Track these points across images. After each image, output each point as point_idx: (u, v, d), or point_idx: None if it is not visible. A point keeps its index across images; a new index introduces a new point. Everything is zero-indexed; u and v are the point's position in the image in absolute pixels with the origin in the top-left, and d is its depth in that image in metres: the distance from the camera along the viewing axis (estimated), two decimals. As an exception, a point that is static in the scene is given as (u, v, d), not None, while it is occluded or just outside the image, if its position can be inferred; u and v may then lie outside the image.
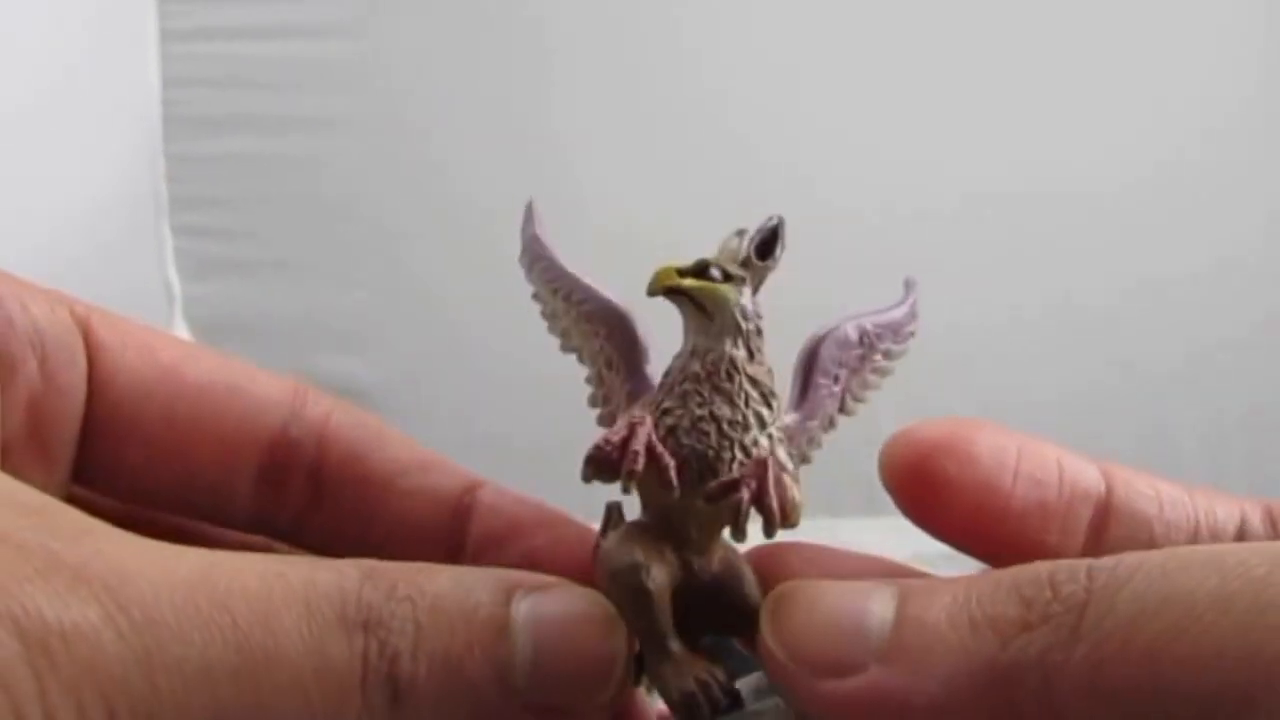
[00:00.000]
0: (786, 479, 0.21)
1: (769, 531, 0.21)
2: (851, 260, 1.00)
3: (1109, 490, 0.21)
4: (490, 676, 0.19)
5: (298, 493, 0.25)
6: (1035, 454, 0.21)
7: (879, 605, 0.18)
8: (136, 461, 0.25)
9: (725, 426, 0.21)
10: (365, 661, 0.18)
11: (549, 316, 0.24)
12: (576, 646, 0.20)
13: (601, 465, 0.21)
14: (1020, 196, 1.20)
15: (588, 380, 0.24)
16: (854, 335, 0.24)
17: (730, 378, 0.21)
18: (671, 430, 0.21)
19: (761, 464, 0.21)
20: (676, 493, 0.21)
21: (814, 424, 0.23)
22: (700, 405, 0.21)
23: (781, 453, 0.22)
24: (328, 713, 0.18)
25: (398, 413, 1.06)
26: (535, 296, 0.24)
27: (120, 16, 1.12)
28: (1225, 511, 0.21)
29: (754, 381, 0.22)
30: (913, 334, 0.25)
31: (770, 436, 0.21)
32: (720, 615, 0.22)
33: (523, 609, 0.19)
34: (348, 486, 0.25)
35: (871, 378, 0.24)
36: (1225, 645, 0.15)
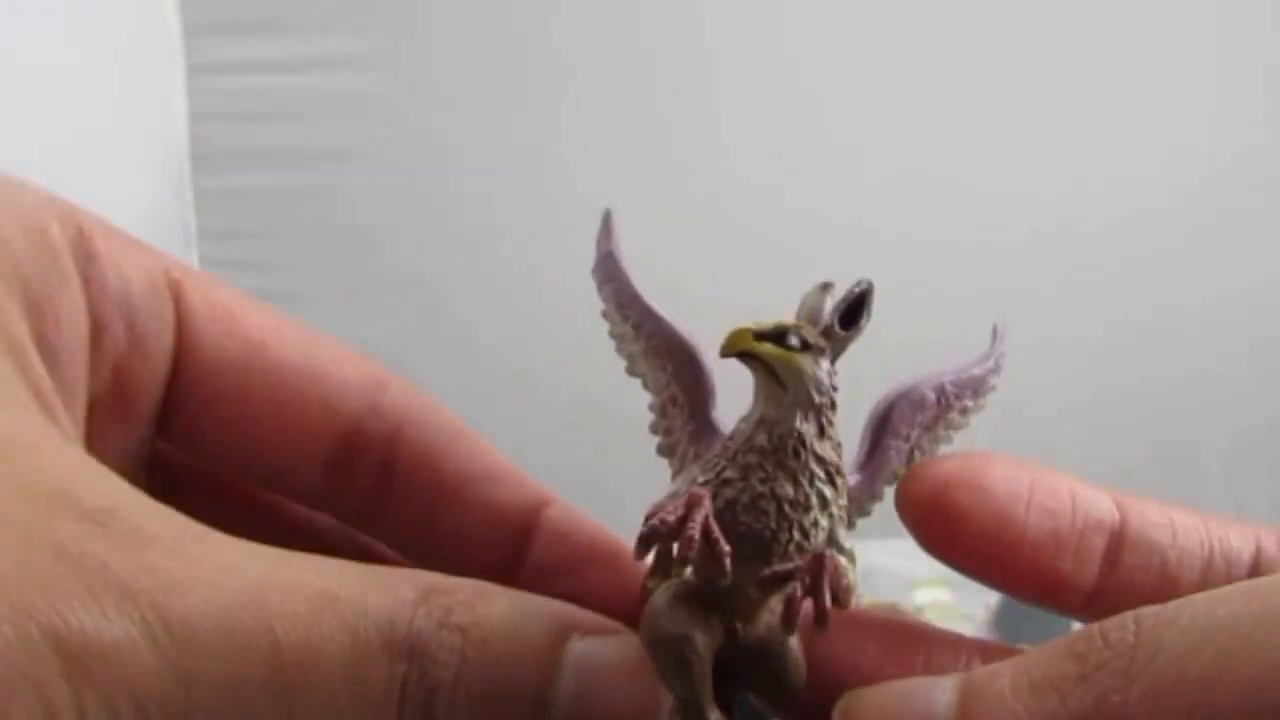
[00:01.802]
0: (842, 566, 0.20)
1: (821, 624, 0.20)
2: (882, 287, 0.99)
3: (1122, 520, 0.22)
4: (527, 716, 0.19)
5: (367, 483, 0.25)
6: (1048, 485, 0.22)
7: (944, 691, 0.19)
8: (213, 431, 0.25)
9: (786, 507, 0.20)
10: (404, 689, 0.18)
11: (617, 337, 0.24)
12: (620, 699, 0.20)
13: (654, 544, 0.20)
14: (1043, 228, 1.20)
15: (651, 407, 0.23)
16: (931, 397, 0.23)
17: (797, 455, 0.20)
18: (730, 504, 0.20)
19: (818, 559, 0.20)
20: (729, 579, 0.20)
21: (878, 483, 0.23)
22: (763, 482, 0.20)
23: (841, 533, 0.21)
24: None
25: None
26: (605, 315, 0.24)
27: (148, 52, 1.13)
28: (1240, 539, 0.22)
29: (820, 460, 0.21)
30: (994, 388, 0.24)
31: (831, 516, 0.21)
32: (757, 679, 0.22)
33: (575, 651, 0.19)
34: (416, 486, 0.25)
35: (945, 433, 0.24)
36: (1276, 661, 0.16)
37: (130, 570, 0.17)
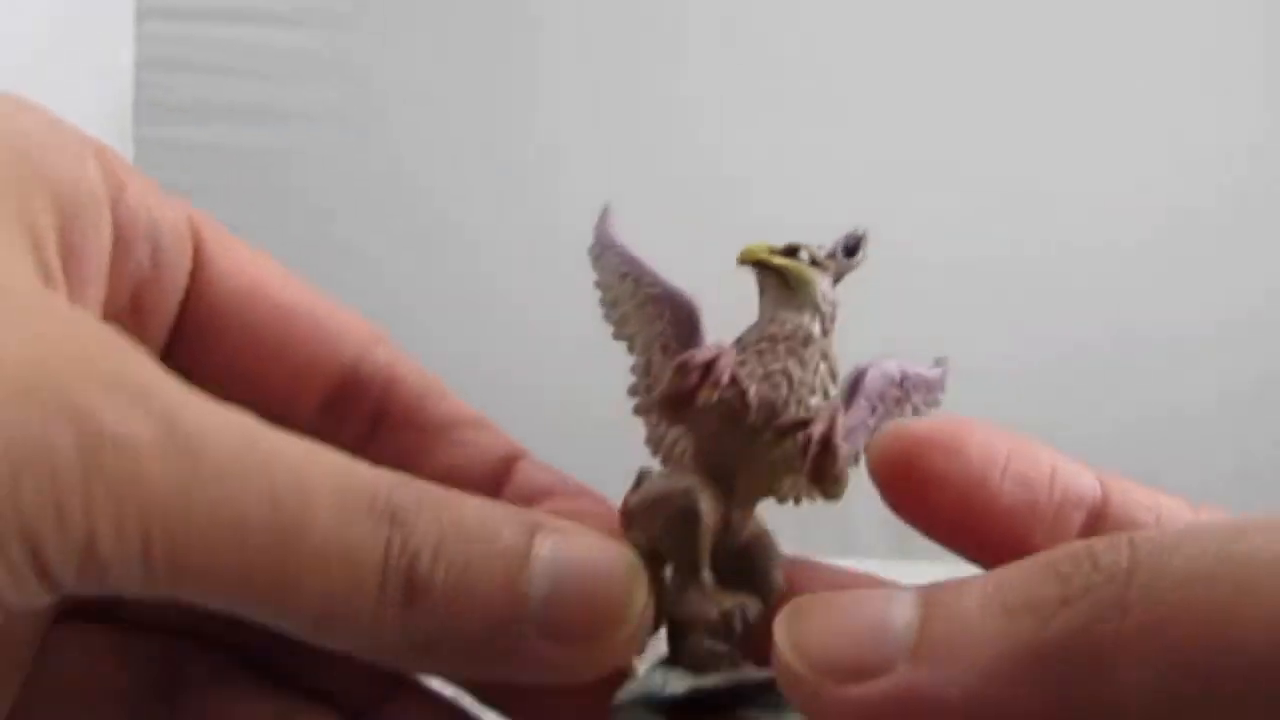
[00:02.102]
0: (844, 450, 0.22)
1: (826, 485, 0.22)
2: (872, 304, 0.99)
3: (1105, 498, 0.21)
4: (505, 596, 0.19)
5: (358, 426, 0.26)
6: (1027, 455, 0.21)
7: (902, 606, 0.18)
8: (218, 364, 0.25)
9: (796, 383, 0.22)
10: (387, 552, 0.19)
11: (609, 304, 0.25)
12: (596, 582, 0.20)
13: (679, 394, 0.22)
14: (1035, 248, 1.19)
15: (633, 369, 0.25)
16: (896, 374, 0.25)
17: (806, 345, 0.22)
18: (747, 377, 0.22)
19: (834, 409, 0.22)
20: (753, 414, 0.21)
21: (853, 438, 0.24)
22: (774, 360, 0.22)
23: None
24: (344, 595, 0.19)
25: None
26: (598, 284, 0.25)
27: (96, -8, 1.09)
28: None
29: (825, 355, 0.23)
30: (938, 403, 0.26)
31: (839, 411, 0.22)
32: (740, 586, 0.22)
33: (546, 546, 0.20)
34: (404, 430, 0.26)
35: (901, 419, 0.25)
36: None
37: (149, 376, 0.18)
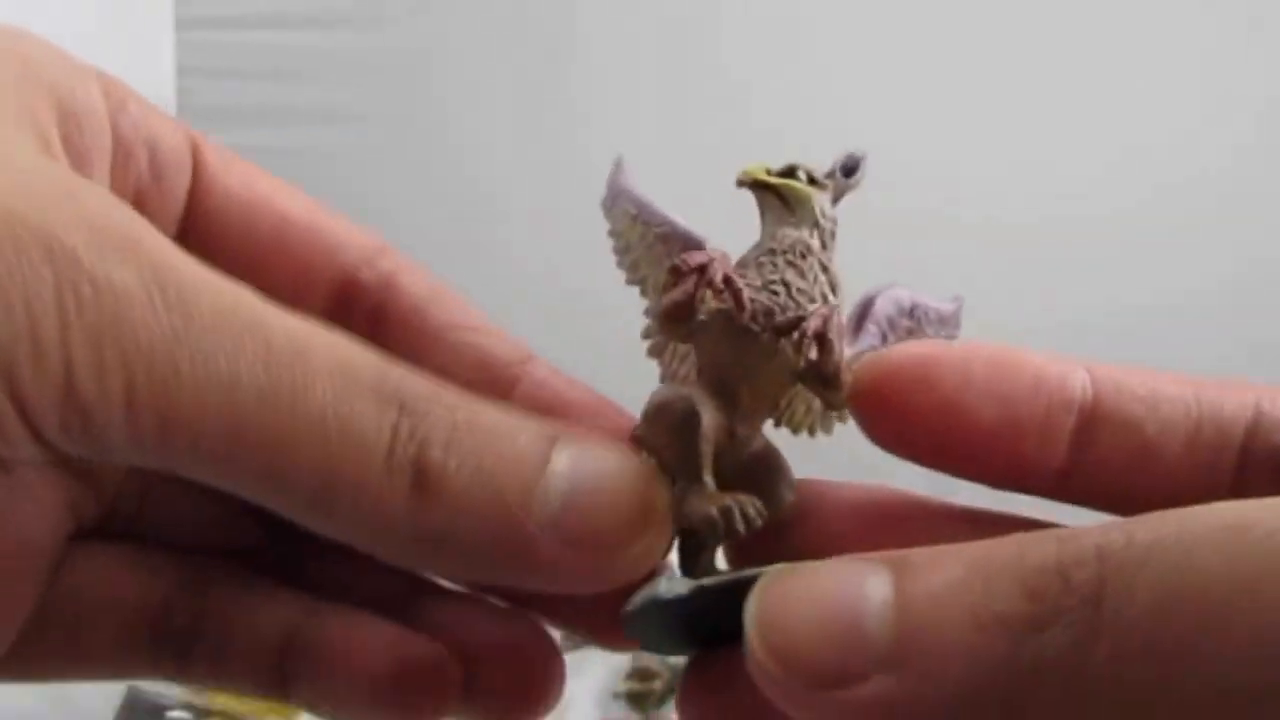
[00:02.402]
0: (841, 354, 0.22)
1: (825, 386, 0.22)
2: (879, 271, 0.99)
3: (1096, 397, 0.20)
4: (522, 499, 0.19)
5: (360, 331, 0.25)
6: (1007, 369, 0.20)
7: (875, 590, 0.17)
8: (219, 270, 0.25)
9: (795, 291, 0.22)
10: (394, 435, 0.18)
11: (621, 251, 0.25)
12: (614, 490, 0.19)
13: (676, 302, 0.22)
14: (1034, 220, 1.18)
15: (646, 313, 0.24)
16: (907, 303, 0.24)
17: (804, 257, 0.23)
18: (746, 286, 0.22)
19: (831, 308, 0.22)
20: (747, 315, 0.21)
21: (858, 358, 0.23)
22: (772, 271, 0.22)
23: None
24: (345, 471, 0.18)
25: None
26: (611, 233, 0.25)
27: (136, 2, 1.11)
28: (1235, 405, 0.20)
29: (825, 268, 0.23)
30: (955, 338, 0.25)
31: (836, 310, 0.22)
32: (751, 493, 0.22)
33: (564, 455, 0.19)
34: (404, 336, 0.25)
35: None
36: (1261, 635, 0.14)
37: (138, 227, 0.18)
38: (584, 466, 0.19)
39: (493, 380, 0.25)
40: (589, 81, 1.17)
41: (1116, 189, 1.19)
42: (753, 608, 0.18)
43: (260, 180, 0.26)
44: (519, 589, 0.22)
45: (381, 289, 0.26)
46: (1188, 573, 0.15)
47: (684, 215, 0.24)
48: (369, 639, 0.23)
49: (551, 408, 0.24)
